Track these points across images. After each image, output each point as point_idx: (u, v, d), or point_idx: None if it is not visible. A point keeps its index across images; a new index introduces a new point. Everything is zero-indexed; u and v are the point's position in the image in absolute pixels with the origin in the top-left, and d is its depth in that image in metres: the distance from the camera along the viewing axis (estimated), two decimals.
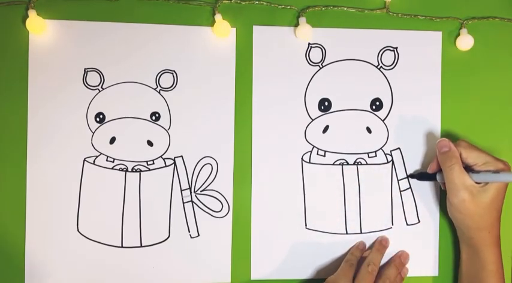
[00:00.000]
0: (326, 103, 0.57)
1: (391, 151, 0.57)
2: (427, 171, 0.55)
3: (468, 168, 0.52)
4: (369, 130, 0.57)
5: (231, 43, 0.56)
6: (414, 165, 0.57)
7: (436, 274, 0.58)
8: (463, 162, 0.52)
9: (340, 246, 0.57)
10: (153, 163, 0.56)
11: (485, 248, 0.52)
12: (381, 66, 0.57)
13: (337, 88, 0.57)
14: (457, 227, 0.55)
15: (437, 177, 0.54)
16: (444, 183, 0.53)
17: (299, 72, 0.57)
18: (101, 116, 0.55)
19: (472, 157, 0.52)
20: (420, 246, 0.58)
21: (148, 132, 0.56)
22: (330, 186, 0.57)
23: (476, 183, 0.51)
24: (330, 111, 0.57)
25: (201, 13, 0.56)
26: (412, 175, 0.57)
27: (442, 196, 0.57)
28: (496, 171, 0.50)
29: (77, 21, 0.55)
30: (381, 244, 0.57)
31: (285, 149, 0.57)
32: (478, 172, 0.51)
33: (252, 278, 0.56)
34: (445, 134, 0.58)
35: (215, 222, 0.56)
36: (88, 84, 0.55)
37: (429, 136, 0.58)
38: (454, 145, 0.52)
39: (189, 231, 0.56)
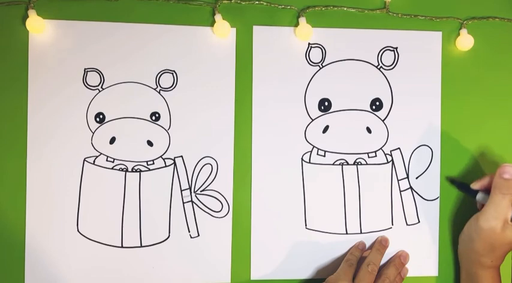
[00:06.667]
0: (326, 103, 0.57)
1: (391, 151, 0.57)
2: (471, 185, 0.54)
3: None
4: (368, 130, 0.57)
5: (231, 43, 0.56)
6: (414, 166, 0.57)
7: (436, 274, 0.58)
8: None
9: (340, 246, 0.57)
10: (153, 163, 0.56)
11: (482, 272, 0.52)
12: (381, 66, 0.57)
13: (337, 88, 0.57)
14: (463, 246, 0.55)
15: (478, 196, 0.54)
16: (482, 204, 0.52)
17: (299, 72, 0.57)
18: (101, 116, 0.55)
19: None
20: (420, 246, 0.58)
21: (148, 132, 0.56)
22: (330, 186, 0.57)
23: None
24: (330, 111, 0.57)
25: (201, 13, 0.56)
26: (453, 181, 0.57)
27: (442, 197, 0.57)
28: None
29: (77, 21, 0.55)
30: (381, 244, 0.57)
31: (285, 149, 0.57)
32: None
33: (252, 278, 0.56)
34: (445, 134, 0.58)
35: (215, 222, 0.56)
36: (88, 84, 0.55)
37: (429, 136, 0.58)
38: None
39: (189, 231, 0.56)
